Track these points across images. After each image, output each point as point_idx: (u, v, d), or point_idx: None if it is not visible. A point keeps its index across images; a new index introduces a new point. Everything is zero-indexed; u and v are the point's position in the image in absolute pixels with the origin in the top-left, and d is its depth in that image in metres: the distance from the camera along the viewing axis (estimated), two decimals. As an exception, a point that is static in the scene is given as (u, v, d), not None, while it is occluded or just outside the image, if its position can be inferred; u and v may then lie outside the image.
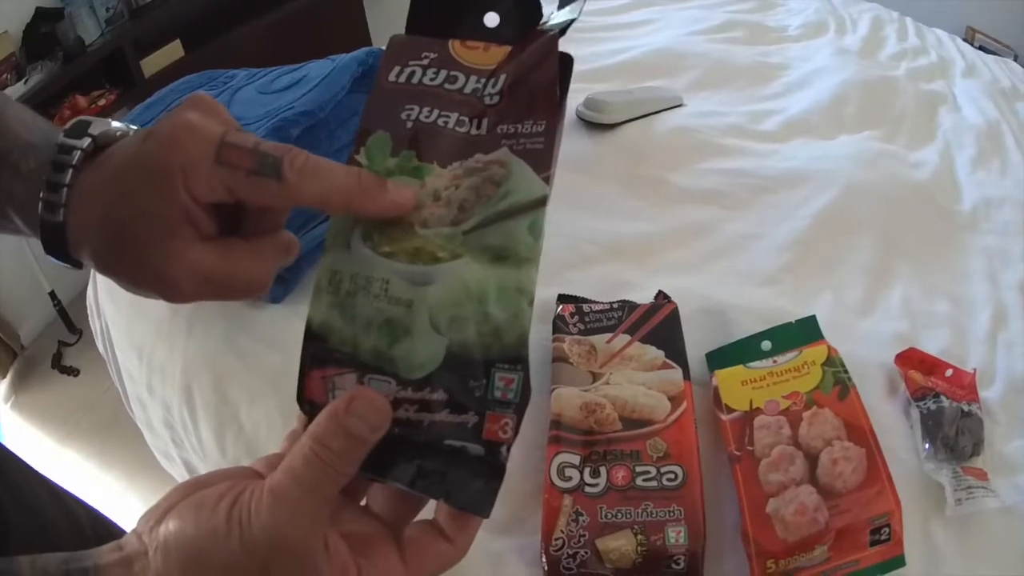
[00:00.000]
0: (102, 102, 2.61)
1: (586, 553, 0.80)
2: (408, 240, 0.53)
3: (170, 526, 0.47)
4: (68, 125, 0.56)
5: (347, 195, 0.52)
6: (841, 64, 1.82)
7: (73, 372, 2.64)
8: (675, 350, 0.98)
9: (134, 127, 0.58)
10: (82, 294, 1.44)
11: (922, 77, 1.87)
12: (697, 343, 1.03)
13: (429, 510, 0.54)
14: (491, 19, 0.59)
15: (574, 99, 1.52)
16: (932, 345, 1.09)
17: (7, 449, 0.96)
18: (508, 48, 0.58)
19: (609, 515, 0.82)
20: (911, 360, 1.03)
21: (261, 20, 2.98)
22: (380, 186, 0.53)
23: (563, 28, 0.56)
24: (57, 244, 0.55)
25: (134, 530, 0.49)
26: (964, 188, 1.46)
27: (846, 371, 0.93)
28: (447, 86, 0.58)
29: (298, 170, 0.50)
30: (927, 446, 0.93)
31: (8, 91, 2.35)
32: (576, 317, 1.02)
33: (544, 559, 0.81)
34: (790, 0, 2.24)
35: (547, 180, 0.53)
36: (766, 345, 0.99)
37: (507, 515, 0.90)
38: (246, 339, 1.11)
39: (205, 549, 0.45)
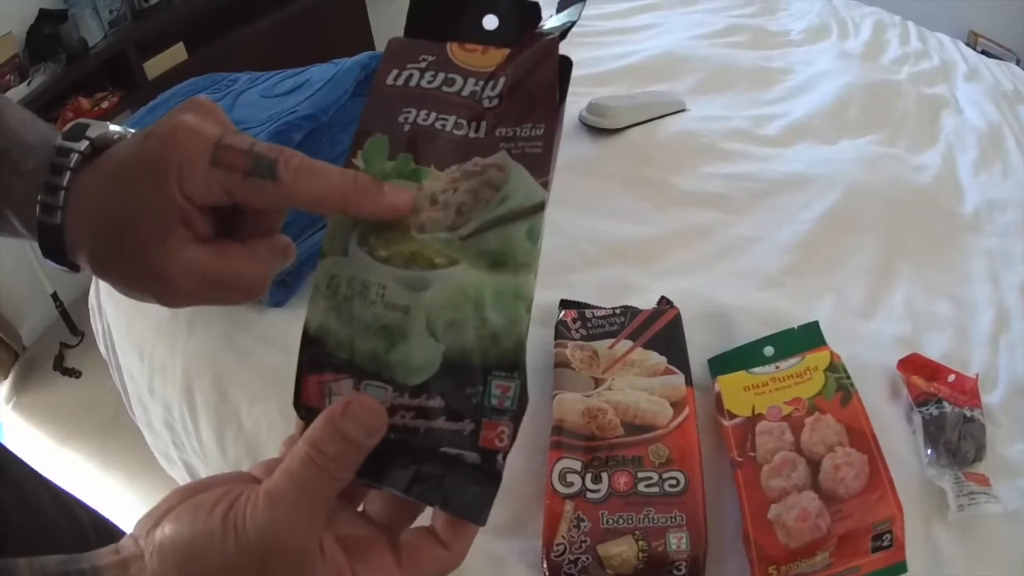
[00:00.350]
0: (105, 104, 2.61)
1: (588, 559, 0.80)
2: (405, 244, 0.53)
3: (166, 529, 0.47)
4: (66, 128, 0.56)
5: (343, 196, 0.51)
6: (843, 68, 1.82)
7: (75, 374, 2.64)
8: (677, 356, 0.98)
9: (132, 130, 0.58)
10: (84, 296, 1.44)
11: (924, 81, 1.87)
12: (699, 346, 1.03)
13: (426, 517, 0.54)
14: (490, 21, 0.58)
15: (577, 103, 1.52)
16: (934, 348, 1.09)
17: (8, 449, 0.96)
18: (507, 50, 0.57)
19: (611, 521, 0.82)
20: (913, 365, 1.03)
21: (264, 22, 2.98)
22: (377, 187, 0.52)
23: (564, 31, 0.56)
24: (54, 247, 0.55)
25: (131, 534, 0.49)
26: (966, 190, 1.46)
27: (848, 377, 0.93)
28: (445, 89, 0.57)
29: (293, 171, 0.50)
30: (929, 452, 0.93)
31: (11, 92, 2.35)
32: (578, 322, 1.02)
33: (545, 565, 0.81)
34: (792, 4, 2.24)
35: (545, 185, 0.53)
36: (768, 351, 0.99)
37: (509, 518, 0.89)
38: (247, 339, 1.11)
39: (201, 551, 0.45)
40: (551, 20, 0.58)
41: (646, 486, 0.84)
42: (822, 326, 1.00)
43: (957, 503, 0.88)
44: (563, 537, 0.81)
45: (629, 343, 0.99)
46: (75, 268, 0.57)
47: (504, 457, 0.50)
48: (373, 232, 0.53)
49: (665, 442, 0.88)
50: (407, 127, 0.56)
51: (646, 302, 1.07)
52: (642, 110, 1.51)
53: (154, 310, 1.18)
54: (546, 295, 1.09)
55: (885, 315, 1.17)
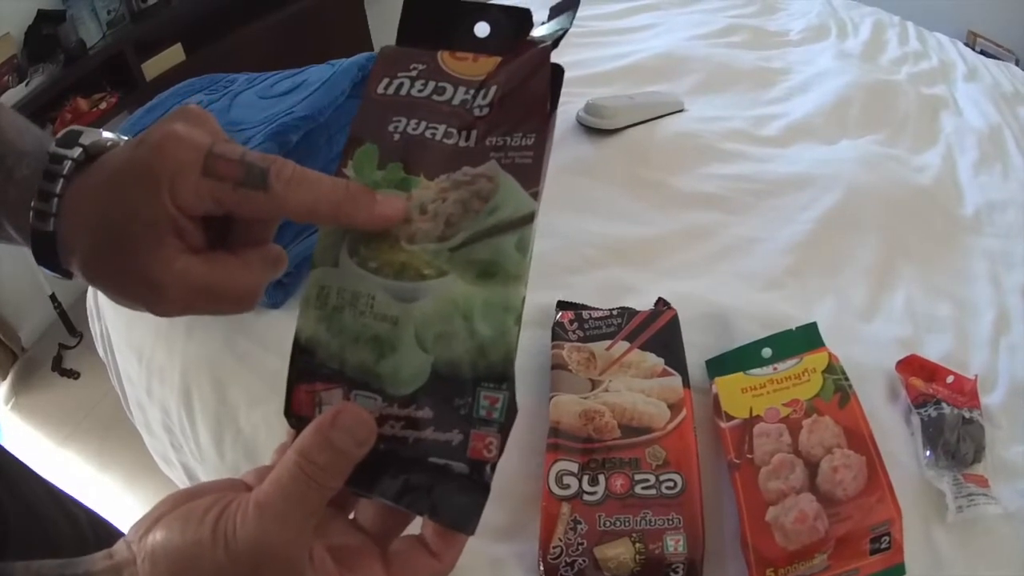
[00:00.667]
0: (103, 105, 2.60)
1: (584, 561, 0.80)
2: (395, 255, 0.53)
3: (158, 536, 0.47)
4: (59, 135, 0.56)
5: (335, 206, 0.51)
6: (843, 68, 1.82)
7: (73, 375, 2.64)
8: (675, 357, 0.97)
9: (125, 137, 0.58)
10: (83, 297, 1.44)
11: (923, 81, 1.87)
12: (698, 347, 1.02)
13: (417, 526, 0.54)
14: (482, 29, 0.57)
15: (575, 104, 1.52)
16: (934, 350, 1.09)
17: (7, 450, 0.96)
18: (498, 59, 0.56)
19: (607, 523, 0.82)
20: (912, 367, 1.03)
21: (262, 23, 2.98)
22: (368, 197, 0.52)
23: (556, 39, 0.55)
24: (48, 254, 0.55)
25: (124, 538, 0.49)
26: (966, 191, 1.46)
27: (847, 378, 0.93)
28: (436, 97, 0.57)
29: (285, 181, 0.50)
30: (928, 453, 0.93)
31: (9, 93, 2.35)
32: (575, 324, 1.02)
33: (542, 567, 0.81)
34: (791, 4, 2.24)
35: (535, 196, 0.52)
36: (766, 352, 0.99)
37: (506, 521, 0.89)
38: (245, 342, 1.11)
39: (191, 558, 0.45)
40: (543, 27, 0.57)
41: (643, 488, 0.84)
42: (822, 328, 1.00)
43: (956, 504, 0.87)
44: (559, 539, 0.81)
45: (626, 344, 0.98)
46: (68, 275, 0.57)
47: (492, 468, 0.50)
48: (363, 242, 0.53)
49: (662, 444, 0.88)
50: (397, 136, 0.56)
51: (644, 304, 1.07)
52: (640, 110, 1.50)
53: (152, 313, 1.17)
54: (544, 296, 1.09)
55: (885, 317, 1.17)
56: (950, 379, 1.01)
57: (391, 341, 0.52)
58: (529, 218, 0.52)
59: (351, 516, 0.55)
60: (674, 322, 1.01)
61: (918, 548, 0.85)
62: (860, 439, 0.86)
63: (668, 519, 0.81)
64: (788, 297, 1.17)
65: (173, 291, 0.52)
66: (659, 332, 1.00)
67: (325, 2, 3.13)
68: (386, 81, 0.58)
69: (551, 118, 0.55)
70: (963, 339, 1.14)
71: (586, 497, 0.84)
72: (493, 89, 0.56)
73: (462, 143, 0.55)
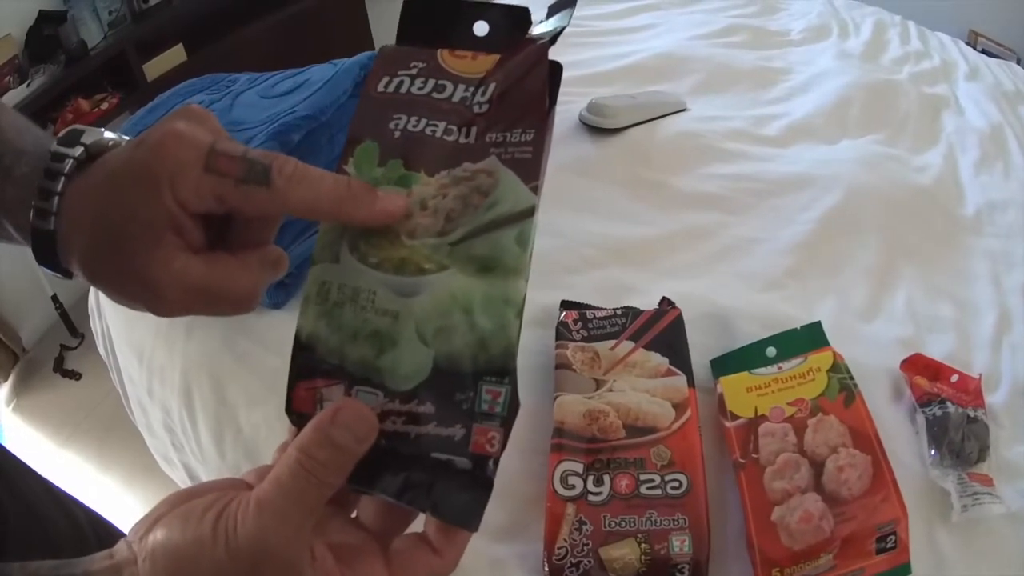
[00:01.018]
0: (104, 105, 2.59)
1: (589, 562, 0.79)
2: (395, 251, 0.53)
3: (158, 535, 0.47)
4: (61, 133, 0.56)
5: (336, 202, 0.51)
6: (844, 68, 1.81)
7: (75, 376, 2.64)
8: (679, 357, 0.97)
9: (126, 137, 0.57)
10: (84, 297, 1.43)
11: (925, 80, 1.86)
12: (701, 348, 1.02)
13: (419, 523, 0.53)
14: (480, 27, 0.58)
15: (577, 103, 1.51)
16: (937, 350, 1.08)
17: (7, 450, 0.96)
18: (497, 56, 0.57)
19: (613, 523, 0.81)
20: (916, 366, 1.02)
21: (263, 23, 2.97)
22: (370, 194, 0.52)
23: (554, 36, 0.56)
24: (48, 252, 0.55)
25: (125, 538, 0.49)
26: (967, 191, 1.46)
27: (851, 377, 0.92)
28: (435, 95, 0.57)
29: (287, 177, 0.50)
30: (933, 452, 0.92)
31: (11, 94, 2.35)
32: (579, 323, 1.01)
33: (547, 568, 0.80)
34: (792, 4, 2.23)
35: (535, 190, 0.52)
36: (771, 351, 0.98)
37: (509, 521, 0.89)
38: (246, 342, 1.11)
39: (192, 557, 0.45)
40: (541, 25, 0.57)
41: (648, 488, 0.83)
42: (824, 328, 0.99)
43: (961, 503, 0.87)
44: (564, 540, 0.80)
45: (631, 344, 0.98)
46: (68, 275, 0.56)
47: (495, 463, 0.50)
48: (363, 238, 0.54)
49: (667, 444, 0.87)
50: (397, 133, 0.56)
51: (647, 304, 1.06)
52: (642, 110, 1.50)
53: (153, 313, 1.17)
54: (547, 296, 1.08)
55: (887, 317, 1.16)
56: (954, 378, 1.01)
57: (392, 336, 0.52)
58: (529, 212, 0.52)
59: (353, 515, 0.55)
60: (678, 321, 1.01)
61: (921, 548, 0.85)
62: (865, 438, 0.86)
63: (673, 519, 0.81)
64: (789, 298, 1.17)
65: (172, 291, 0.52)
66: (663, 332, 0.99)
67: (326, 2, 3.13)
68: (386, 79, 0.58)
69: (550, 114, 0.55)
70: (965, 339, 1.13)
71: (591, 497, 0.83)
72: (492, 86, 0.56)
73: (462, 140, 0.55)
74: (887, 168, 1.44)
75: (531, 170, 0.53)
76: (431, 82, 0.58)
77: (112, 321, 1.31)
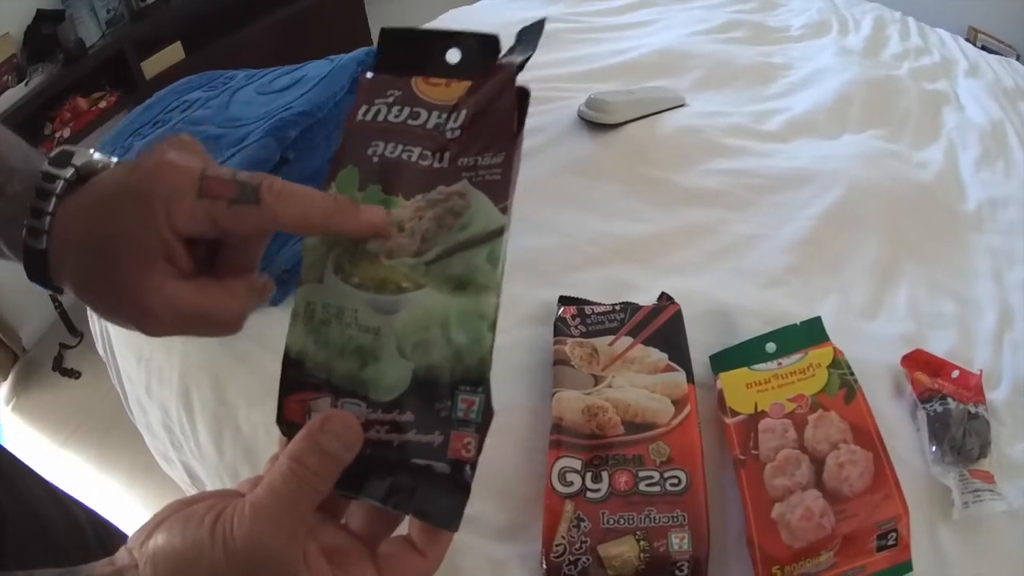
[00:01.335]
0: (103, 104, 2.58)
1: (588, 560, 0.78)
2: (375, 270, 0.56)
3: (159, 540, 0.48)
4: (52, 154, 0.57)
5: (325, 216, 0.53)
6: (844, 64, 1.80)
7: (74, 375, 2.62)
8: (678, 352, 0.96)
9: (115, 159, 0.60)
10: (83, 296, 1.42)
11: (925, 77, 1.85)
12: (701, 345, 1.01)
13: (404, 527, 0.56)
14: (453, 55, 0.61)
15: (575, 100, 1.51)
16: (938, 346, 1.08)
17: (6, 451, 0.96)
18: (468, 83, 0.60)
19: (611, 521, 0.81)
20: (917, 362, 1.02)
21: (262, 22, 2.96)
22: (354, 207, 0.55)
23: (521, 63, 0.58)
24: (39, 270, 0.56)
25: (126, 546, 0.50)
26: (968, 188, 1.45)
27: (852, 373, 0.92)
28: (410, 122, 0.60)
29: (276, 194, 0.52)
30: (934, 449, 0.92)
31: (9, 93, 2.34)
32: (578, 319, 1.01)
33: (545, 566, 0.80)
34: (792, 0, 2.22)
35: (504, 210, 0.55)
36: (771, 347, 0.98)
37: (510, 521, 0.88)
38: (244, 342, 1.10)
39: (190, 560, 0.47)
40: (510, 53, 0.60)
41: (647, 485, 0.83)
42: (825, 324, 0.99)
43: (962, 500, 0.87)
44: (563, 537, 0.80)
45: (629, 340, 0.97)
46: (59, 291, 0.58)
47: (472, 468, 0.53)
48: (347, 259, 0.57)
49: (666, 440, 0.86)
50: (376, 159, 0.59)
51: (647, 301, 1.05)
52: (641, 105, 1.49)
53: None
54: (545, 293, 1.08)
55: (889, 314, 1.16)
56: (955, 374, 1.00)
57: (374, 350, 0.55)
58: (499, 232, 0.55)
59: (342, 521, 0.57)
60: (677, 317, 1.00)
61: (923, 546, 0.84)
62: (866, 435, 0.85)
63: (672, 516, 0.80)
64: (790, 294, 1.16)
65: (162, 315, 0.53)
66: (662, 327, 0.99)
67: (325, 1, 3.12)
68: (365, 108, 0.61)
69: (518, 136, 0.58)
70: (966, 336, 1.13)
71: (589, 494, 0.83)
72: (464, 112, 0.59)
73: (436, 164, 0.58)
74: (888, 164, 1.43)
75: (500, 192, 0.55)
76: (407, 110, 0.61)
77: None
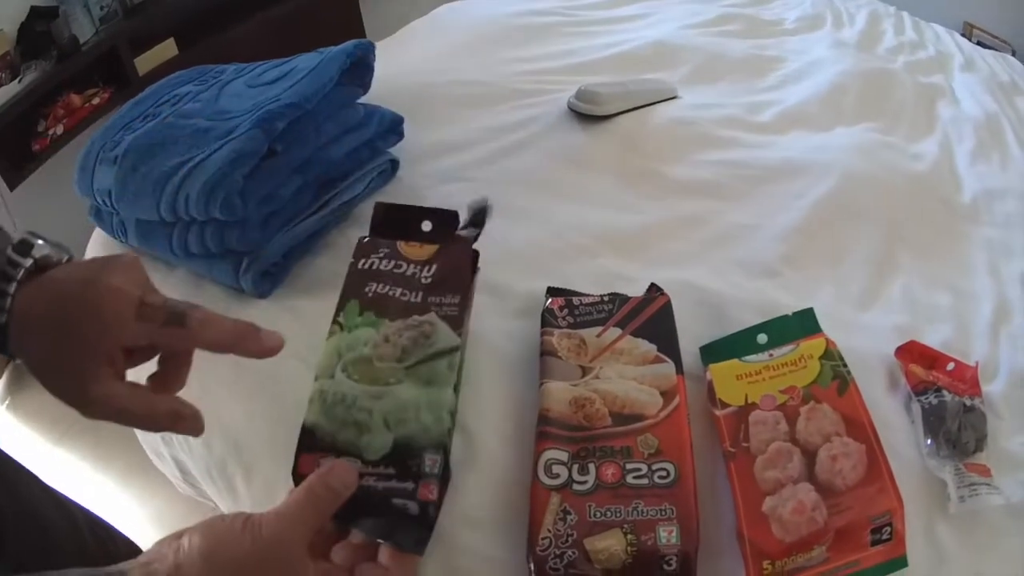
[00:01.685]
0: (96, 100, 2.56)
1: (574, 553, 0.76)
2: (370, 370, 0.79)
3: (193, 537, 0.60)
4: (16, 242, 0.70)
5: (234, 339, 0.70)
6: (839, 57, 1.79)
7: (69, 372, 2.61)
8: (668, 344, 0.94)
9: (67, 257, 0.73)
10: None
11: (920, 70, 1.84)
12: (693, 336, 1.00)
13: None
14: (426, 226, 0.90)
15: (566, 92, 1.50)
16: (934, 339, 1.06)
17: (2, 451, 0.98)
18: (437, 247, 0.88)
19: (598, 514, 0.78)
20: (911, 353, 1.00)
21: (256, 18, 2.93)
22: (255, 334, 0.72)
23: (475, 236, 0.90)
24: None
25: (153, 547, 0.62)
26: (964, 180, 1.44)
27: (845, 365, 0.89)
28: (395, 271, 0.87)
29: (199, 320, 0.69)
30: (929, 442, 0.90)
31: (2, 90, 2.33)
32: (566, 310, 0.99)
33: (530, 559, 0.78)
34: (786, -6, 2.21)
35: (459, 334, 0.81)
36: (762, 338, 0.96)
37: (495, 514, 0.87)
38: None
39: (224, 543, 0.60)
40: (466, 226, 0.91)
41: (635, 477, 0.81)
42: (818, 316, 0.97)
43: (958, 494, 0.85)
44: (548, 531, 0.78)
45: (618, 331, 0.96)
46: (12, 359, 0.71)
47: (435, 507, 0.73)
48: (351, 364, 0.80)
49: (655, 432, 0.84)
50: (370, 294, 0.85)
51: (638, 292, 1.03)
52: (633, 97, 1.48)
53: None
54: (535, 285, 1.07)
55: (883, 305, 1.14)
56: (951, 366, 0.99)
57: (367, 424, 0.76)
58: (455, 349, 0.80)
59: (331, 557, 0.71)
60: (667, 308, 0.98)
61: (920, 542, 0.83)
62: (860, 427, 0.83)
63: (661, 509, 0.78)
64: (783, 285, 1.15)
65: (99, 406, 0.66)
66: (651, 318, 0.97)
67: (320, -1, 3.10)
68: (363, 260, 0.88)
69: (472, 283, 0.90)
70: (962, 328, 1.11)
71: (576, 487, 0.81)
72: (434, 266, 0.87)
73: (413, 300, 0.84)
74: (882, 155, 1.42)
75: (456, 322, 0.82)
76: (392, 262, 0.88)
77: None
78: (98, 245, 1.31)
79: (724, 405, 0.89)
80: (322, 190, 1.21)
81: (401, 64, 1.65)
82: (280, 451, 0.83)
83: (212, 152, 1.10)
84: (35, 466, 1.00)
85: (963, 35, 2.23)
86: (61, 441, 2.40)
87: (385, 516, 0.73)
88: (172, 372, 0.74)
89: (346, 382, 0.78)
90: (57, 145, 2.42)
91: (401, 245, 0.89)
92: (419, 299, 0.84)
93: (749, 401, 0.88)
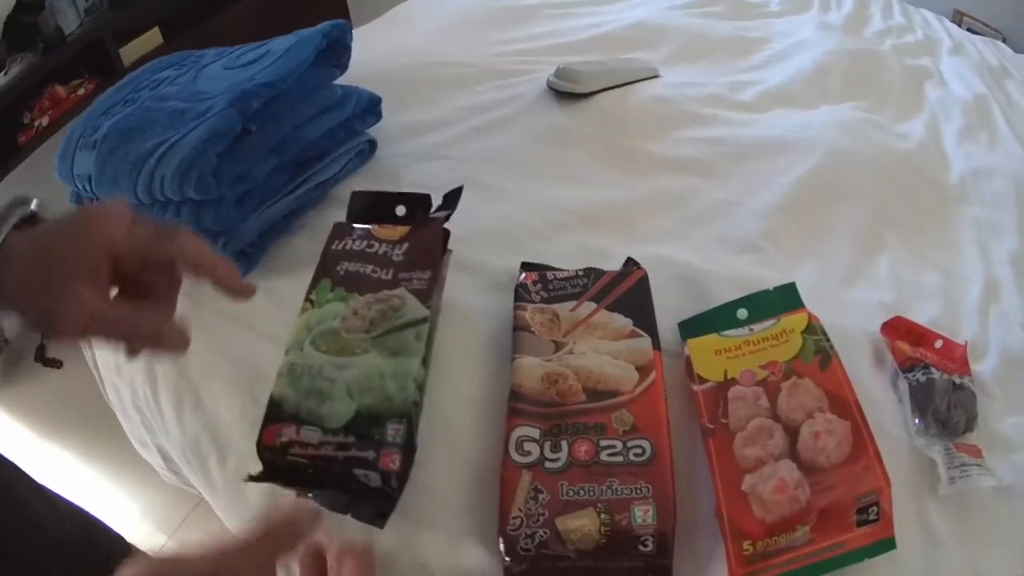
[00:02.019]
0: (81, 91, 2.54)
1: (545, 533, 0.73)
2: (337, 342, 0.82)
3: None
4: (10, 200, 0.68)
5: (213, 265, 0.68)
6: (825, 38, 1.76)
7: (56, 364, 2.58)
8: (644, 318, 0.91)
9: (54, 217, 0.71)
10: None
11: (908, 53, 1.81)
12: (672, 313, 0.96)
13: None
14: (400, 210, 0.95)
15: (546, 72, 1.47)
16: (921, 316, 1.02)
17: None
18: (408, 228, 0.93)
19: (571, 492, 0.75)
20: (898, 330, 0.96)
21: (240, 7, 2.92)
22: (233, 268, 0.70)
23: (447, 216, 0.94)
24: None
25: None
26: (952, 159, 1.40)
27: (828, 339, 0.86)
28: (368, 250, 0.91)
29: (187, 237, 0.67)
30: (917, 421, 0.87)
31: (-11, 83, 2.32)
32: (539, 285, 0.96)
33: (501, 539, 0.74)
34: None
35: (428, 307, 0.85)
36: (742, 313, 0.92)
37: (466, 492, 0.84)
38: (208, 314, 1.06)
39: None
40: (439, 208, 0.95)
41: (609, 455, 0.77)
42: (801, 292, 0.93)
43: (948, 475, 0.81)
44: (519, 510, 0.75)
45: (592, 305, 0.92)
46: None
47: (398, 479, 0.74)
48: (319, 336, 0.82)
49: (630, 408, 0.81)
50: (342, 272, 0.89)
51: (616, 268, 1.00)
52: (613, 75, 1.44)
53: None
54: (511, 262, 1.04)
55: (869, 282, 1.11)
56: (939, 344, 0.95)
57: (330, 393, 0.77)
58: (424, 320, 0.83)
59: None
60: (644, 282, 0.95)
61: (911, 525, 0.80)
62: (844, 403, 0.79)
63: (636, 488, 0.75)
64: (765, 261, 1.11)
65: (74, 320, 0.62)
66: (628, 292, 0.94)
67: (304, -14, 3.07)
68: (337, 242, 0.92)
69: (443, 260, 0.93)
70: (951, 306, 1.08)
71: (548, 464, 0.78)
72: (406, 245, 0.91)
73: (384, 277, 0.88)
74: (868, 133, 1.39)
75: (425, 295, 0.86)
76: (366, 242, 0.92)
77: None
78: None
79: (702, 381, 0.86)
80: (298, 170, 1.19)
81: (383, 47, 1.62)
82: (252, 431, 0.79)
83: (187, 132, 1.07)
84: (24, 460, 0.98)
85: (953, 22, 2.19)
86: (51, 434, 2.39)
87: (346, 488, 0.74)
88: (162, 293, 0.70)
89: (313, 354, 0.81)
90: (43, 137, 2.41)
91: (375, 228, 0.93)
92: (390, 276, 0.87)
93: (728, 377, 0.85)
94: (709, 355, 0.88)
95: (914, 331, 0.96)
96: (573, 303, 0.93)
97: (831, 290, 1.07)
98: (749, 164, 1.30)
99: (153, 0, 2.73)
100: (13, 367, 2.63)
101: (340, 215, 0.98)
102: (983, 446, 0.85)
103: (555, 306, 0.93)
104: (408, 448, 0.76)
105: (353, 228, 0.93)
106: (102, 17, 2.59)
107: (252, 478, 0.78)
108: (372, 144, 1.30)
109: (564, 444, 0.79)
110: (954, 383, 0.89)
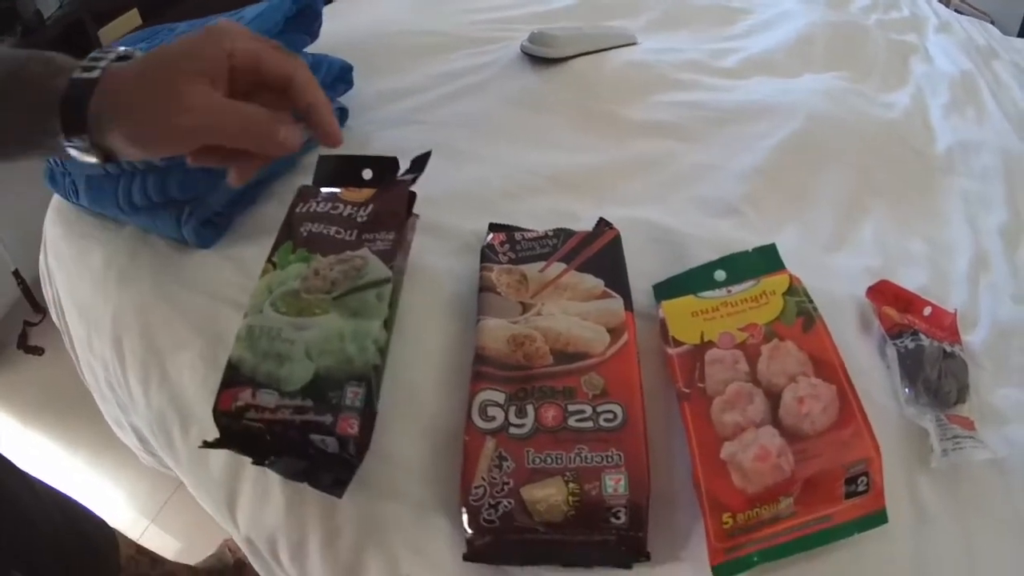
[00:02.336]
0: (60, 75, 2.50)
1: (509, 503, 0.68)
2: (297, 303, 0.79)
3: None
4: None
5: (317, 92, 0.70)
6: (808, 10, 1.70)
7: (38, 351, 2.53)
8: (616, 279, 0.86)
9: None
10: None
11: (893, 29, 1.75)
12: (647, 275, 0.91)
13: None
14: (367, 174, 0.93)
15: (521, 38, 1.41)
16: (909, 283, 0.96)
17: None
18: (374, 190, 0.90)
19: (537, 460, 0.70)
20: (885, 294, 0.90)
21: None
22: (331, 106, 0.73)
23: (414, 179, 0.90)
24: (78, 103, 0.64)
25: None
26: (938, 131, 1.34)
27: (811, 301, 0.80)
28: (332, 212, 0.88)
29: (300, 61, 0.69)
30: (907, 389, 0.81)
31: (-33, 67, 2.26)
32: (507, 245, 0.91)
33: (464, 510, 0.69)
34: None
35: (391, 268, 0.81)
36: (720, 275, 0.86)
37: (429, 460, 0.79)
38: (174, 285, 1.02)
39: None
40: (407, 172, 0.92)
41: (578, 420, 0.72)
42: (783, 255, 0.87)
43: (941, 447, 0.75)
44: (482, 479, 0.70)
45: (562, 266, 0.87)
46: (81, 126, 0.65)
47: (356, 445, 0.71)
48: (280, 299, 0.79)
49: (600, 371, 0.76)
50: (305, 234, 0.86)
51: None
52: (589, 40, 1.39)
53: (90, 263, 1.11)
54: (482, 225, 0.99)
55: (854, 247, 1.05)
56: (927, 311, 0.90)
57: (289, 355, 0.74)
58: (386, 280, 0.80)
59: None
60: (616, 242, 0.90)
61: (901, 498, 0.74)
62: (829, 367, 0.74)
63: (607, 455, 0.70)
64: (745, 224, 1.06)
65: (194, 115, 0.63)
66: (599, 253, 0.89)
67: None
68: (302, 204, 0.90)
69: (407, 222, 0.91)
70: (939, 275, 1.02)
71: (512, 430, 0.73)
72: (371, 207, 0.87)
73: (347, 238, 0.84)
74: (851, 101, 1.33)
75: (389, 255, 0.82)
76: (330, 204, 0.89)
77: (60, 282, 1.22)
78: (56, 212, 1.24)
79: (677, 343, 0.80)
80: (267, 138, 1.13)
81: (358, 19, 1.57)
82: (213, 398, 0.75)
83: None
84: (8, 451, 1.01)
85: (941, 2, 2.13)
86: (33, 421, 2.36)
87: (303, 454, 0.72)
88: (280, 104, 0.70)
89: (273, 315, 0.78)
90: (22, 118, 2.34)
91: (341, 191, 0.90)
92: (354, 237, 0.84)
93: (705, 339, 0.79)
94: (685, 317, 0.82)
95: (902, 296, 0.90)
96: (542, 264, 0.87)
97: (814, 255, 1.01)
98: (729, 128, 1.24)
99: (131, -19, 2.68)
100: (-5, 358, 2.58)
101: (308, 182, 0.94)
102: (975, 418, 0.79)
103: (523, 267, 0.88)
104: (368, 412, 0.73)
105: (319, 191, 0.90)
106: (80, -1, 2.54)
107: (207, 444, 0.74)
108: (343, 112, 1.25)
109: (530, 409, 0.73)
110: (945, 351, 0.83)
